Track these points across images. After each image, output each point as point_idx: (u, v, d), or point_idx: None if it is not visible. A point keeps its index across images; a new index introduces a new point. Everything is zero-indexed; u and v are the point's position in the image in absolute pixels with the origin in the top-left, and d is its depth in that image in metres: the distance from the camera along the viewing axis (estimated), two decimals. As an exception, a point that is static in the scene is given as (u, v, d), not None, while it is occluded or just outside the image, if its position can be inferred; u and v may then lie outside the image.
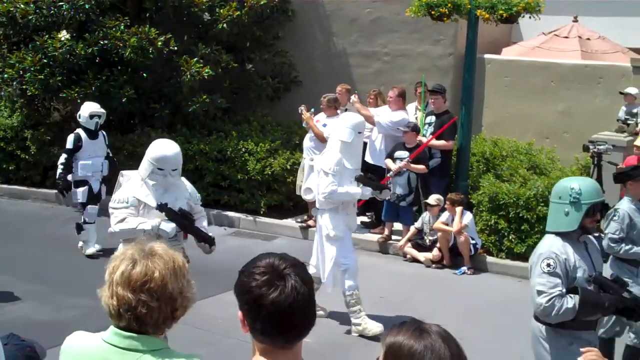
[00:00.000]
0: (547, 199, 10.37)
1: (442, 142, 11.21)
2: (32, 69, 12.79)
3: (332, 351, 7.52)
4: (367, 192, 8.32)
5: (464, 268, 10.44)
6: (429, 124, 11.43)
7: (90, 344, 2.75)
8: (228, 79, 14.03)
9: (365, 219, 12.19)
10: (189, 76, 12.67)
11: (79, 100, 12.78)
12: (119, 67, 13.22)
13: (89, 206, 10.51)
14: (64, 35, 12.83)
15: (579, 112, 12.75)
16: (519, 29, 15.53)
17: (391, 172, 11.05)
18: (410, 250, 10.94)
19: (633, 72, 12.42)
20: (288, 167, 12.33)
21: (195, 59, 12.86)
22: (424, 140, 11.23)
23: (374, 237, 11.52)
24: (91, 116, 10.47)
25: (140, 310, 2.64)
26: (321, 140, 11.38)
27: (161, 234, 6.01)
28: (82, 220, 10.54)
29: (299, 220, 12.10)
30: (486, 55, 13.45)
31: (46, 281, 9.23)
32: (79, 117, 10.53)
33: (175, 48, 12.93)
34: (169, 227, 6.11)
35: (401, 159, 11.02)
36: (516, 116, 13.08)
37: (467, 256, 10.47)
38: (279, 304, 2.39)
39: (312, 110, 11.71)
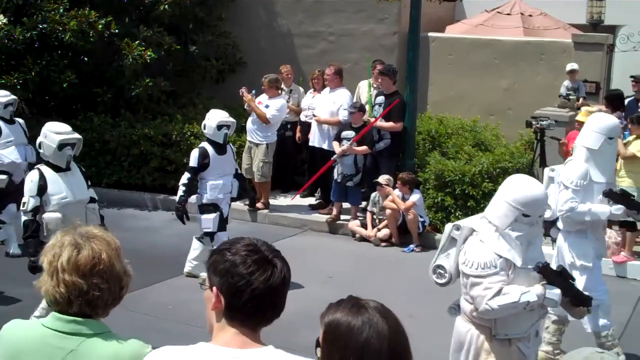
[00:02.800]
0: (492, 175, 10.52)
1: (390, 124, 11.20)
2: (-32, 55, 12.47)
3: (283, 331, 7.50)
4: (618, 212, 6.60)
5: (412, 246, 10.51)
6: (379, 105, 11.43)
7: (30, 331, 2.71)
8: (171, 62, 13.85)
9: (312, 200, 12.20)
10: (131, 59, 12.46)
11: (18, 87, 12.52)
12: (59, 52, 12.94)
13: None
14: (0, 19, 12.50)
15: (522, 88, 12.90)
16: (462, 7, 15.68)
17: (335, 155, 11.05)
18: (357, 228, 10.97)
19: (574, 48, 12.61)
20: (235, 149, 12.23)
21: (137, 41, 12.65)
22: (372, 120, 11.23)
23: (322, 217, 11.53)
24: (219, 127, 8.65)
25: (92, 294, 2.63)
26: (264, 121, 11.33)
27: (547, 304, 4.86)
28: None
29: (246, 202, 12.04)
30: (430, 34, 13.51)
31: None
32: (204, 128, 8.79)
33: (117, 31, 12.69)
34: (556, 294, 4.76)
35: (348, 139, 11.03)
36: (461, 94, 13.19)
37: (416, 234, 10.54)
38: (269, 285, 2.40)
39: (254, 91, 11.63)
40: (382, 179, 10.79)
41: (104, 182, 12.60)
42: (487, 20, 14.52)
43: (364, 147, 11.00)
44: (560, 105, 11.80)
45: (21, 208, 6.72)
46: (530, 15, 14.53)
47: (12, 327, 2.76)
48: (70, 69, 12.70)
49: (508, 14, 14.55)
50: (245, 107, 11.79)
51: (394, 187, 10.73)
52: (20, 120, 10.03)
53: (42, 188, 6.67)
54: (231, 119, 8.89)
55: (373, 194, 11.00)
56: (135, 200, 12.35)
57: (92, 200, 7.02)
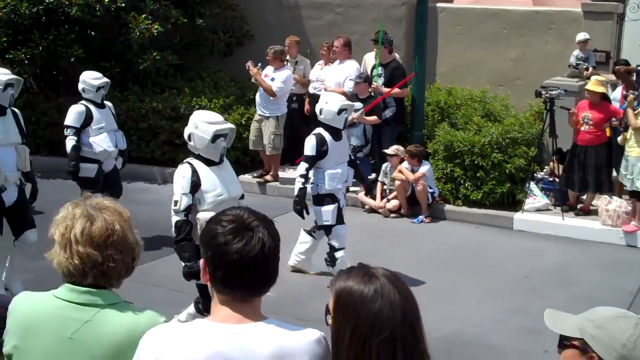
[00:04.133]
0: (501, 146, 10.49)
1: (397, 90, 11.20)
2: (-25, 30, 12.46)
3: (292, 302, 7.54)
4: None
5: (422, 216, 10.52)
6: (379, 75, 11.40)
7: (42, 303, 2.71)
8: (178, 35, 13.80)
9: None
10: (138, 33, 12.42)
11: (26, 62, 12.52)
12: (66, 26, 12.90)
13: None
14: (7, -6, 12.47)
15: (531, 58, 12.81)
16: (470, -23, 15.50)
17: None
18: (366, 199, 10.97)
19: (584, 17, 12.48)
20: (243, 122, 12.23)
21: (144, 15, 12.60)
22: (382, 90, 11.18)
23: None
24: (340, 111, 7.86)
25: (107, 265, 2.64)
26: (270, 94, 11.31)
27: None
28: None
29: (255, 175, 12.05)
30: (438, 4, 13.40)
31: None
32: (320, 113, 7.91)
33: (123, 4, 12.63)
34: None
35: (355, 111, 10.99)
36: (469, 64, 13.11)
37: (425, 205, 10.54)
38: (244, 254, 2.36)
39: (260, 65, 11.60)
40: (391, 149, 10.78)
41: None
42: (496, -11, 14.39)
43: (374, 117, 10.97)
44: (570, 74, 11.73)
45: (172, 207, 5.99)
46: (540, -16, 14.40)
47: (24, 299, 2.76)
48: (78, 43, 12.67)
49: (517, -17, 14.41)
50: (252, 80, 11.78)
51: (402, 158, 10.72)
52: (109, 104, 9.33)
53: (195, 185, 6.01)
54: (350, 102, 8.24)
55: (384, 165, 10.99)
56: (144, 174, 12.37)
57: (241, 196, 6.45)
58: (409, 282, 2.53)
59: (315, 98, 12.10)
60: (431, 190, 10.57)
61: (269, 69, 11.59)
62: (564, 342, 2.45)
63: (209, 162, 6.11)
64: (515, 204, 10.57)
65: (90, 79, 8.93)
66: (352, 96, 11.23)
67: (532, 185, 10.55)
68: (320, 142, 7.80)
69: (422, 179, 10.43)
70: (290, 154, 12.62)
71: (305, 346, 2.40)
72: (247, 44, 14.21)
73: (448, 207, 10.73)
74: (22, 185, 7.52)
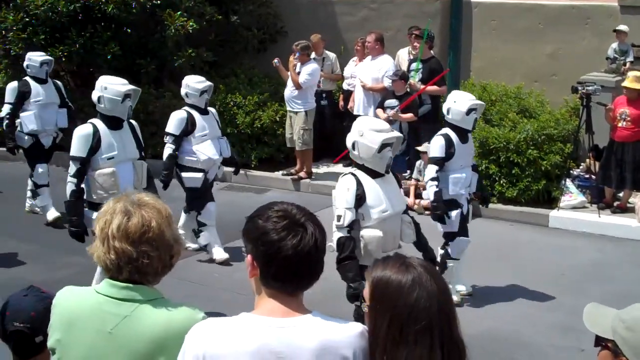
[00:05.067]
0: (537, 142, 10.41)
1: (435, 88, 11.17)
2: (14, 28, 12.62)
3: (327, 298, 7.55)
4: None
5: (456, 214, 10.46)
6: (418, 70, 11.37)
7: (84, 297, 2.75)
8: (213, 32, 13.88)
9: (356, 168, 12.18)
10: (173, 30, 12.52)
11: (63, 59, 12.66)
12: (102, 24, 13.03)
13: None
14: (45, -8, 12.64)
15: (567, 54, 12.69)
16: (505, -28, 15.39)
17: (381, 121, 11.02)
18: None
19: (620, 11, 12.34)
20: (277, 119, 12.28)
21: (179, 12, 12.70)
22: (419, 86, 11.15)
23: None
24: (469, 111, 7.31)
25: (142, 262, 2.66)
26: (296, 86, 11.31)
27: None
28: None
29: (284, 172, 12.09)
30: (473, -1, 13.34)
31: (36, 240, 9.22)
32: (448, 113, 7.45)
33: (158, 2, 12.75)
34: None
35: (391, 108, 10.98)
36: (504, 60, 13.01)
37: (459, 202, 10.49)
38: (299, 250, 2.39)
39: (298, 54, 11.67)
40: (424, 146, 10.74)
41: (150, 152, 12.68)
42: (531, -16, 14.28)
43: (410, 114, 10.94)
44: (607, 70, 11.60)
45: (335, 223, 5.45)
46: (576, -21, 14.26)
47: (66, 293, 2.80)
48: (114, 40, 12.80)
49: (553, -22, 14.28)
50: (282, 74, 11.86)
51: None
52: (213, 110, 8.92)
53: (359, 198, 5.50)
54: (480, 102, 7.67)
55: (418, 162, 10.96)
56: (179, 171, 12.44)
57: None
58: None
59: (349, 94, 12.14)
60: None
61: (297, 62, 11.67)
62: (600, 342, 2.42)
63: (373, 174, 5.62)
64: (551, 201, 10.50)
65: (194, 82, 8.51)
66: (389, 93, 11.23)
67: (568, 182, 10.46)
68: (448, 143, 7.31)
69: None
70: (325, 150, 12.68)
71: (350, 339, 2.43)
72: (281, 41, 14.24)
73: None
74: None
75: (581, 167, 10.92)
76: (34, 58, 10.08)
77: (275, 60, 11.72)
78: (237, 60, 14.20)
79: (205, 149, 8.39)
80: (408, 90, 11.14)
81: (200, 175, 8.37)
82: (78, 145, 6.76)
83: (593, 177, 10.59)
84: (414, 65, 11.38)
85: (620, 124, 10.08)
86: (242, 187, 11.88)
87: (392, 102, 11.04)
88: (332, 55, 12.67)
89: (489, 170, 10.57)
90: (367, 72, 11.68)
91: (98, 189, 6.77)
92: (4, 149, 10.51)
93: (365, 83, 11.58)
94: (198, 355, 2.39)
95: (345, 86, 12.37)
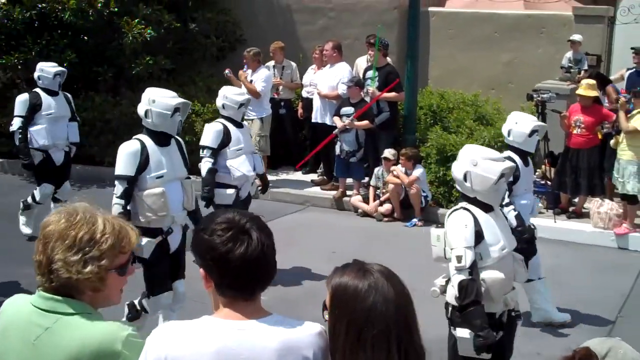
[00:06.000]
0: (493, 149, 10.50)
1: (393, 94, 11.24)
2: (-32, 35, 12.45)
3: (285, 305, 7.55)
4: None
5: (415, 220, 10.55)
6: (374, 78, 11.43)
7: (21, 306, 2.70)
8: (171, 40, 13.81)
9: (315, 176, 12.22)
10: (131, 38, 12.44)
11: (19, 67, 12.50)
12: (59, 31, 12.90)
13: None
14: (-1, -1, 12.50)
15: (523, 62, 12.87)
16: (462, -19, 15.55)
17: (336, 130, 11.06)
18: (359, 204, 11.02)
19: (575, 20, 12.56)
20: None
21: (137, 20, 12.62)
22: (377, 93, 11.21)
23: (324, 193, 11.56)
24: (532, 133, 6.95)
25: (34, 257, 2.62)
26: (255, 96, 11.22)
27: None
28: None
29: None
30: (430, 8, 13.46)
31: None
32: (509, 135, 7.05)
33: (116, 9, 12.65)
34: None
35: (347, 116, 11.03)
36: (462, 68, 13.16)
37: (418, 208, 10.57)
38: (247, 258, 2.42)
39: (245, 68, 11.72)
40: (389, 153, 10.81)
41: (107, 161, 12.61)
42: (488, -7, 14.45)
43: (366, 122, 11.00)
44: (562, 78, 11.79)
45: (455, 265, 4.83)
46: (531, -12, 14.47)
47: (10, 301, 2.76)
48: (70, 48, 12.67)
49: (508, -13, 14.47)
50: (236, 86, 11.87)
51: (397, 162, 10.75)
52: (246, 124, 8.47)
53: (478, 236, 4.89)
54: (542, 123, 7.51)
55: (377, 169, 11.03)
56: (137, 179, 12.34)
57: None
58: (402, 285, 2.58)
59: (308, 102, 12.17)
60: (424, 194, 10.61)
61: (247, 72, 11.69)
62: None
63: (485, 207, 5.00)
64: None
65: (233, 94, 8.09)
66: (344, 100, 11.28)
67: (525, 188, 10.57)
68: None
69: (415, 183, 10.47)
70: (285, 159, 12.69)
71: (309, 338, 2.47)
72: (240, 49, 14.18)
73: (441, 210, 10.76)
74: (186, 229, 6.55)
75: (537, 173, 11.04)
76: (47, 69, 9.51)
77: (227, 71, 11.80)
78: (195, 68, 14.15)
79: (240, 164, 7.93)
80: (363, 97, 11.21)
81: (232, 191, 7.92)
82: (125, 163, 6.20)
83: (549, 183, 10.74)
84: (369, 74, 11.45)
85: (575, 131, 10.25)
86: (198, 195, 11.79)
87: (348, 109, 11.09)
88: (293, 64, 12.68)
89: (446, 176, 10.65)
90: (324, 80, 11.73)
91: (146, 210, 6.16)
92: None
93: (321, 90, 11.62)
94: (160, 356, 2.41)
95: (304, 94, 12.40)
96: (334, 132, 11.12)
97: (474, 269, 4.84)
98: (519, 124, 6.97)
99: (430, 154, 10.91)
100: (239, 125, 8.07)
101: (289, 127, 12.62)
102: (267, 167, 12.00)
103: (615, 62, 13.45)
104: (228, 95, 8.04)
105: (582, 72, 11.82)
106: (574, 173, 10.28)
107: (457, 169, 5.08)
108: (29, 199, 9.63)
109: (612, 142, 10.02)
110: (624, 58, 12.52)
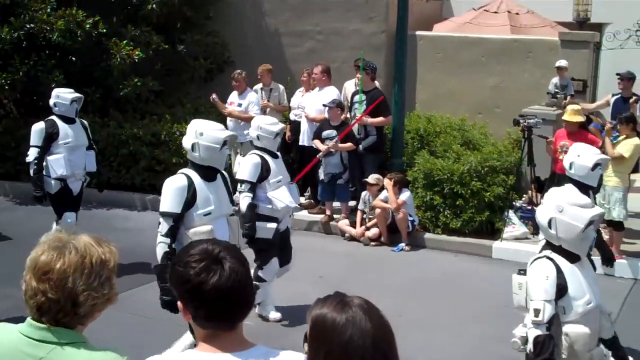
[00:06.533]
0: (480, 174, 10.56)
1: (380, 119, 11.24)
2: (-45, 55, 12.43)
3: (272, 331, 7.53)
4: None
5: (402, 245, 10.54)
6: (362, 102, 11.46)
7: (7, 336, 2.67)
8: (160, 61, 13.85)
9: (302, 200, 12.20)
10: (119, 59, 12.47)
11: (6, 87, 12.48)
12: (47, 51, 12.92)
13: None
14: (-13, 19, 12.48)
15: (509, 86, 12.96)
16: (449, 5, 15.71)
17: (320, 154, 11.06)
18: (346, 228, 11.01)
19: (561, 45, 12.66)
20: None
21: (125, 41, 12.65)
22: (365, 118, 11.21)
23: (311, 217, 11.55)
24: (595, 166, 6.52)
25: (39, 299, 2.57)
26: (247, 121, 11.26)
27: None
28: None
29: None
30: (417, 32, 13.54)
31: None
32: (570, 168, 6.59)
33: (104, 30, 12.69)
34: None
35: (330, 139, 11.04)
36: (449, 92, 13.23)
37: (405, 233, 10.57)
38: (221, 288, 2.41)
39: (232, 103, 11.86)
40: (372, 178, 10.82)
41: (94, 182, 12.54)
42: (475, 18, 14.56)
43: (349, 144, 11.03)
44: (548, 103, 11.85)
45: (532, 318, 4.57)
46: (517, 13, 14.59)
47: None
48: (58, 68, 12.68)
49: (495, 12, 14.59)
50: (223, 111, 11.90)
51: (381, 188, 10.75)
52: (278, 154, 8.10)
53: (561, 288, 4.61)
54: (605, 157, 7.10)
55: (364, 193, 11.02)
56: (124, 201, 12.33)
57: None
58: (388, 310, 2.58)
59: (296, 125, 12.18)
60: (411, 219, 10.61)
61: (233, 96, 11.75)
62: None
63: (571, 257, 4.70)
64: (494, 233, 10.63)
65: (268, 124, 7.84)
66: (325, 122, 11.29)
67: (511, 213, 10.61)
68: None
69: (402, 207, 10.47)
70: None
71: None
72: (228, 70, 14.24)
73: (428, 235, 10.77)
74: None
75: (523, 198, 11.10)
76: (63, 95, 9.05)
77: (214, 96, 11.83)
78: (183, 90, 14.18)
79: (282, 195, 7.63)
80: (345, 120, 11.23)
81: (273, 225, 7.60)
82: (171, 199, 5.97)
83: (535, 208, 10.75)
84: (357, 97, 11.48)
85: (561, 157, 10.27)
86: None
87: (330, 132, 11.10)
88: (281, 87, 12.69)
89: (433, 201, 10.68)
90: (312, 103, 11.75)
91: None
92: None
93: (309, 114, 11.65)
94: None
95: (292, 117, 12.41)
96: (317, 156, 11.11)
97: (553, 323, 4.58)
98: (582, 157, 6.63)
99: (418, 178, 10.93)
100: (274, 155, 7.80)
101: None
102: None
103: (601, 87, 13.58)
104: (262, 126, 7.76)
105: (569, 97, 11.90)
106: (560, 198, 10.30)
107: (542, 215, 4.80)
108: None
109: (598, 167, 10.05)
110: (609, 83, 12.64)
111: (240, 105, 11.50)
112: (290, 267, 8.02)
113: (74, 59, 13.04)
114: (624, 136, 9.82)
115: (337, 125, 11.12)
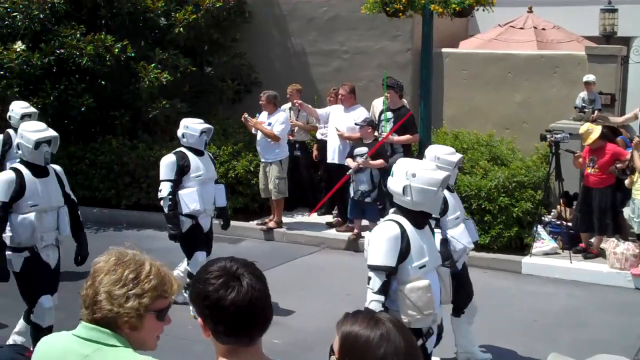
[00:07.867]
0: (508, 190, 10.52)
1: (407, 137, 11.26)
2: (-12, 81, 12.65)
3: (299, 350, 7.55)
4: None
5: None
6: (388, 120, 11.50)
7: (59, 339, 2.78)
8: (188, 84, 13.99)
9: (330, 218, 12.23)
10: (147, 82, 12.61)
11: (38, 111, 12.66)
12: (77, 76, 13.12)
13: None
14: (19, 45, 12.69)
15: (536, 102, 12.92)
16: (475, 22, 15.69)
17: (350, 170, 11.09)
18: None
19: (588, 60, 12.60)
20: (251, 168, 12.33)
21: (153, 64, 12.81)
22: (391, 136, 11.25)
23: (340, 235, 11.56)
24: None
25: (83, 293, 2.70)
26: (274, 139, 11.40)
27: None
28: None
29: (258, 222, 12.11)
30: (443, 50, 13.56)
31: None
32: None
33: (133, 54, 12.87)
34: None
35: (361, 156, 11.07)
36: (476, 108, 13.22)
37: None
38: (239, 304, 2.45)
39: (258, 115, 11.80)
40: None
41: (124, 203, 12.73)
42: (501, 34, 14.54)
43: (380, 161, 11.03)
44: (575, 118, 11.80)
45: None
46: (544, 29, 14.54)
47: (47, 338, 2.85)
48: (88, 92, 12.86)
49: (521, 28, 14.56)
50: (253, 131, 11.93)
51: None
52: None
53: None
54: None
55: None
56: (154, 221, 12.40)
57: None
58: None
59: (323, 144, 12.23)
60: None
61: (263, 115, 11.77)
62: None
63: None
64: (523, 248, 10.58)
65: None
66: (358, 141, 11.33)
67: (540, 228, 10.56)
68: None
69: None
70: (300, 200, 12.71)
71: None
72: (256, 91, 14.34)
73: (456, 251, 10.72)
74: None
75: (552, 213, 11.04)
76: (192, 126, 8.68)
77: (246, 115, 11.84)
78: (211, 111, 14.29)
79: (460, 235, 7.11)
80: (376, 137, 11.27)
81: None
82: (386, 251, 5.13)
83: (564, 223, 10.70)
84: (383, 116, 11.51)
85: (589, 170, 10.24)
86: (216, 237, 11.83)
87: (361, 149, 11.14)
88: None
89: (461, 217, 10.64)
90: (343, 122, 11.77)
91: (409, 308, 5.05)
92: None
93: (343, 132, 11.67)
94: None
95: (319, 136, 12.46)
96: (347, 172, 11.15)
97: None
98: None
99: (445, 194, 10.90)
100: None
101: (303, 168, 12.67)
102: (283, 209, 12.07)
103: (629, 101, 13.48)
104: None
105: (596, 111, 11.84)
106: (589, 213, 10.25)
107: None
108: (187, 279, 8.50)
109: (626, 181, 10.00)
110: (637, 97, 12.55)
111: (270, 124, 11.56)
112: None
113: (103, 82, 13.21)
114: (652, 149, 9.75)
115: (369, 143, 11.16)
